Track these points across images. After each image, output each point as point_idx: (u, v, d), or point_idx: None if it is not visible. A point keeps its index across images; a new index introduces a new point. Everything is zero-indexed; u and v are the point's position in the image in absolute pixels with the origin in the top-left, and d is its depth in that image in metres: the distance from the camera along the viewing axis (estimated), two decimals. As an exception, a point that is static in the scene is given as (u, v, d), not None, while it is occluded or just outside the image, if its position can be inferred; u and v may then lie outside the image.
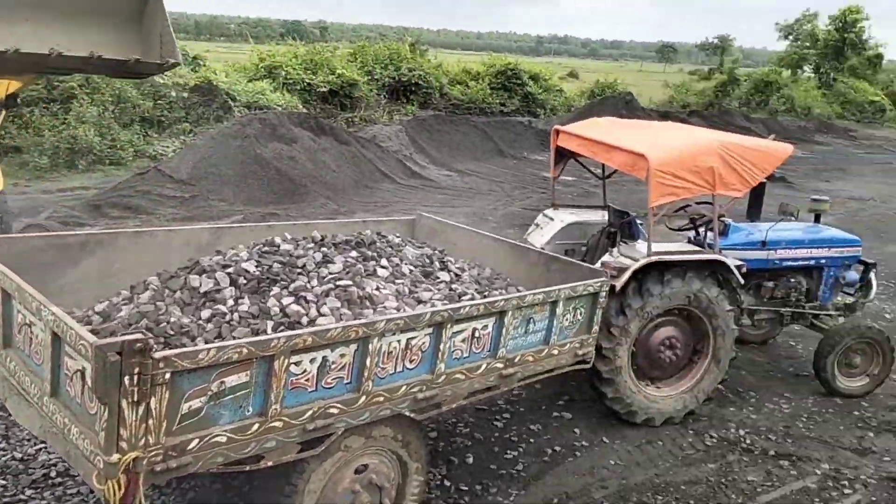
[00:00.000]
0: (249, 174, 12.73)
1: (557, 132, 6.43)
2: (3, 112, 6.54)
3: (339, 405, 3.38)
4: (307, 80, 21.08)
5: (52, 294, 3.40)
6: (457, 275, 4.81)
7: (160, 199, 11.36)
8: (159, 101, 16.99)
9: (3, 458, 4.50)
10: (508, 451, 5.15)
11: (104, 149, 14.44)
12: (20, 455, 4.55)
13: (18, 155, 13.75)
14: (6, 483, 4.25)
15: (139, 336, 2.69)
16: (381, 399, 3.55)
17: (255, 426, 3.10)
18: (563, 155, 6.48)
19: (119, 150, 14.74)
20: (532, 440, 5.34)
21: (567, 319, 4.53)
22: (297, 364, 3.21)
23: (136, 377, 2.66)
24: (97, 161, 14.27)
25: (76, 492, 4.20)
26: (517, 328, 4.18)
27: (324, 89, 21.23)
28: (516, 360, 4.24)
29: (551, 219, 6.51)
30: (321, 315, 3.78)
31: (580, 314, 4.64)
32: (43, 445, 4.65)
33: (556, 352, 4.51)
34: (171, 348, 3.20)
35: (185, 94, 17.60)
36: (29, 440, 4.72)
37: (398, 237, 5.11)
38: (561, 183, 7.17)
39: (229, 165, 12.74)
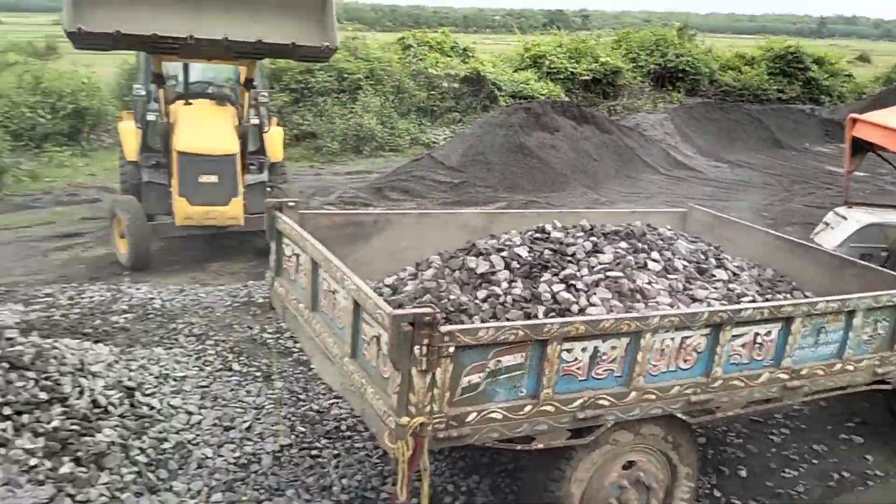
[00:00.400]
0: (513, 162, 13.09)
1: (854, 121, 5.77)
2: (247, 93, 8.09)
3: (609, 397, 3.36)
4: (570, 69, 21.09)
5: (349, 266, 3.79)
6: (735, 274, 4.52)
7: (433, 184, 12.12)
8: (433, 92, 18.08)
9: (303, 409, 5.13)
10: (787, 470, 4.76)
11: (385, 136, 15.78)
12: (317, 407, 5.15)
13: (314, 140, 15.51)
14: (305, 431, 4.84)
15: (429, 310, 2.89)
16: (653, 397, 3.46)
17: (528, 407, 3.19)
18: (860, 147, 5.81)
19: (397, 137, 16.01)
20: (815, 461, 4.88)
21: (866, 333, 4.05)
22: (568, 351, 3.24)
23: (425, 347, 2.86)
24: (379, 147, 15.63)
25: (362, 446, 4.66)
26: (806, 337, 3.82)
27: (586, 77, 21.11)
28: (803, 372, 3.88)
29: (844, 218, 5.87)
30: (591, 304, 3.78)
31: (882, 328, 4.12)
32: (335, 400, 5.22)
33: (850, 368, 4.06)
34: (450, 324, 3.40)
35: (456, 85, 18.53)
36: (324, 395, 5.33)
37: (670, 230, 4.93)
38: (852, 178, 6.41)
39: (495, 153, 13.20)
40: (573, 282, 3.87)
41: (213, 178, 7.69)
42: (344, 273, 3.44)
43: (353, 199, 11.33)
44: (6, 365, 4.23)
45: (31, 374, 4.28)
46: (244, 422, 4.92)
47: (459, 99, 18.35)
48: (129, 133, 8.68)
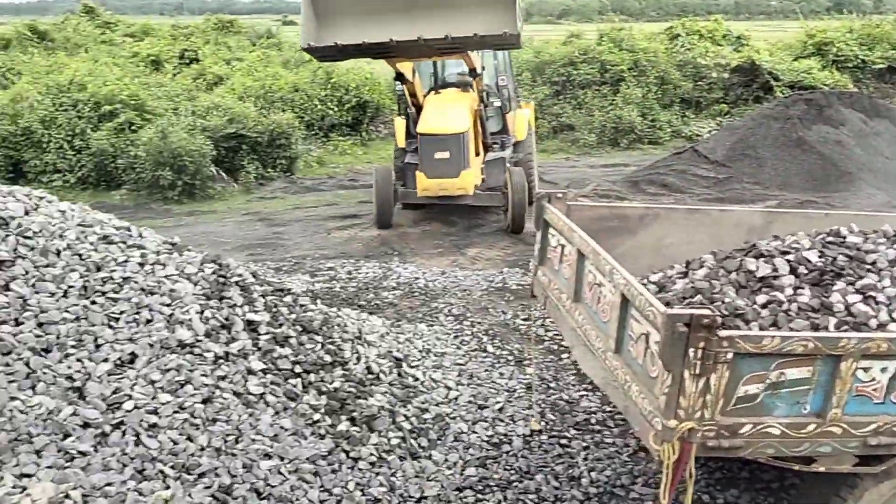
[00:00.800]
0: (787, 158, 11.97)
1: None
2: (474, 81, 9.15)
3: (909, 426, 2.94)
4: (861, 57, 18.79)
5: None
6: None
7: (694, 179, 11.51)
8: (699, 83, 17.17)
9: (553, 397, 5.17)
10: None
11: (644, 128, 15.32)
12: (566, 397, 5.16)
13: (571, 132, 15.51)
14: (555, 419, 4.88)
15: (707, 311, 2.74)
16: (966, 431, 2.97)
17: (812, 426, 2.90)
18: None
19: (658, 129, 15.45)
20: None
21: None
22: (865, 370, 2.89)
23: (700, 351, 2.72)
24: (637, 140, 15.22)
25: (612, 441, 4.58)
26: None
27: (881, 66, 18.67)
28: None
29: None
30: (893, 321, 3.34)
31: None
32: (585, 393, 5.20)
33: None
34: (724, 329, 3.19)
35: (726, 75, 17.42)
36: (574, 385, 5.33)
37: None
38: None
39: (767, 147, 12.18)
40: (872, 293, 3.43)
41: (445, 154, 8.79)
42: (613, 266, 3.38)
43: (607, 191, 11.13)
44: (299, 328, 4.77)
45: (318, 338, 4.78)
46: (497, 402, 5.08)
47: (729, 90, 17.22)
48: (400, 123, 10.15)
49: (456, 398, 5.09)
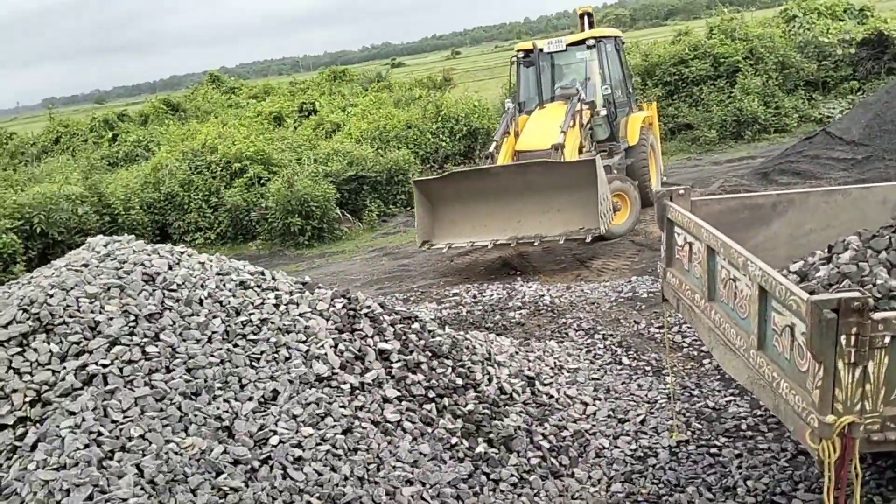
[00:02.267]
0: (935, 128, 10.97)
1: None
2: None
3: None
4: None
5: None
6: None
7: (829, 163, 10.77)
8: (824, 63, 16.14)
9: (698, 405, 4.91)
10: None
11: (768, 117, 14.55)
12: (712, 404, 4.89)
13: (690, 131, 14.95)
14: (702, 427, 4.62)
15: (857, 294, 2.52)
16: None
17: None
18: None
19: (783, 116, 14.63)
20: None
21: None
22: None
23: (852, 337, 2.50)
24: (762, 130, 14.46)
25: (766, 447, 4.28)
26: None
27: None
28: None
29: None
30: None
31: None
32: (733, 397, 4.91)
33: None
34: (878, 311, 2.92)
35: (853, 51, 16.27)
36: (720, 391, 5.05)
37: None
38: None
39: (908, 121, 11.21)
40: None
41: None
42: (747, 258, 3.19)
43: (735, 186, 10.60)
44: (429, 353, 4.82)
45: (448, 362, 4.81)
46: (638, 415, 4.89)
47: (857, 65, 16.05)
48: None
49: (594, 413, 4.95)
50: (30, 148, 23.30)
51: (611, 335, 6.32)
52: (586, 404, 5.05)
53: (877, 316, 2.50)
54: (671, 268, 4.28)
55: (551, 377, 5.39)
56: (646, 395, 5.17)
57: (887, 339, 2.51)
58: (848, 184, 9.91)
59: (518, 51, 10.64)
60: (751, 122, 14.44)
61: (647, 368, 5.62)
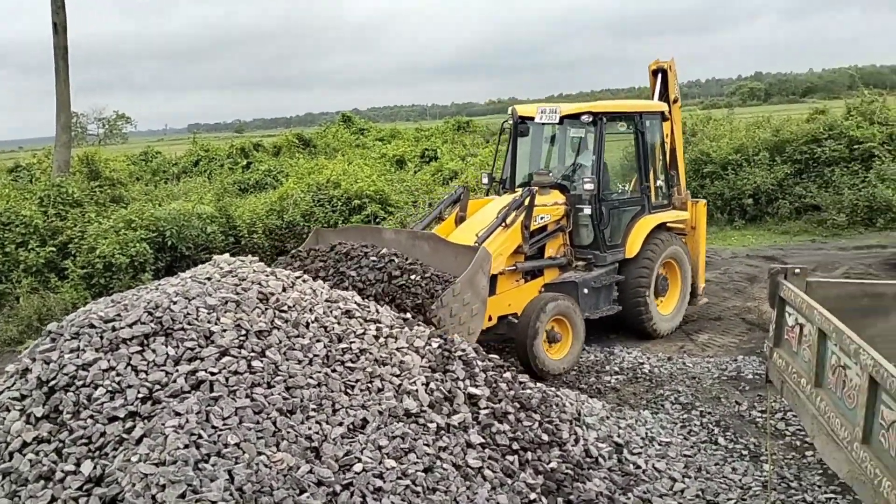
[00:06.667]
0: None
1: None
2: None
3: None
4: None
5: (863, 341, 3.33)
6: None
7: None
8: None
9: (794, 498, 4.65)
10: None
11: (907, 206, 13.72)
12: (810, 499, 4.61)
13: (817, 213, 14.31)
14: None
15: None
16: None
17: None
18: None
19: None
20: None
21: None
22: None
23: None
24: (895, 219, 13.63)
25: (868, 554, 3.99)
26: None
27: None
28: None
29: None
30: None
31: None
32: (834, 495, 4.61)
33: None
34: None
35: None
36: (820, 486, 4.76)
37: None
38: None
39: None
40: None
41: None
42: (859, 346, 3.05)
43: (861, 275, 10.04)
44: (518, 405, 4.82)
45: (536, 416, 4.79)
46: (729, 499, 4.68)
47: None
48: None
49: (682, 491, 4.77)
50: (172, 167, 25.16)
51: (709, 413, 6.09)
52: (675, 480, 4.88)
53: None
54: (779, 348, 4.13)
55: (641, 447, 5.25)
56: (740, 480, 4.94)
57: None
58: None
59: (513, 115, 8.46)
60: (884, 209, 13.66)
61: (745, 453, 5.37)
